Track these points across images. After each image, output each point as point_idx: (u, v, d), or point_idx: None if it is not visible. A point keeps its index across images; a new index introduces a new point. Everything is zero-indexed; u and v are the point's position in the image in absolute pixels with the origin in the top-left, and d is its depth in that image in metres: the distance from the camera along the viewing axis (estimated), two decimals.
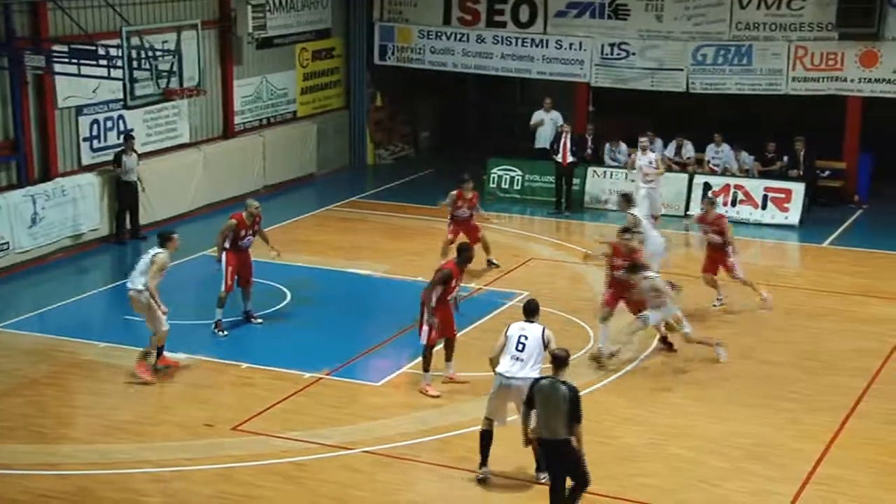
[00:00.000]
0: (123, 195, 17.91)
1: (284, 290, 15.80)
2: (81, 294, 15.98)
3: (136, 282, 12.64)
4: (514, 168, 21.70)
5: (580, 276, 17.15)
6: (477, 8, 22.76)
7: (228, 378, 13.00)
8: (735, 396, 12.64)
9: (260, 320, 14.57)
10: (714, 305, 15.44)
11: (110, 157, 18.28)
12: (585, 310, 15.35)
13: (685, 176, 20.83)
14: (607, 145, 21.76)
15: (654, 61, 21.54)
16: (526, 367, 10.41)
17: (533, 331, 10.60)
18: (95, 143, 18.23)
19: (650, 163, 18.86)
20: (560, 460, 9.46)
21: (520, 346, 10.50)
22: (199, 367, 13.25)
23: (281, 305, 15.30)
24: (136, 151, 17.97)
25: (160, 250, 12.70)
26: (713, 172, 21.00)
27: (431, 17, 23.02)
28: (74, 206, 17.35)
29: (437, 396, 12.31)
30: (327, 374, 13.02)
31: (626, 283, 13.39)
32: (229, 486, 10.39)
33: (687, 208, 20.62)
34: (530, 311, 10.88)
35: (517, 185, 21.69)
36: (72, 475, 10.54)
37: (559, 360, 9.57)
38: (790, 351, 14.06)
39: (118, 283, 16.57)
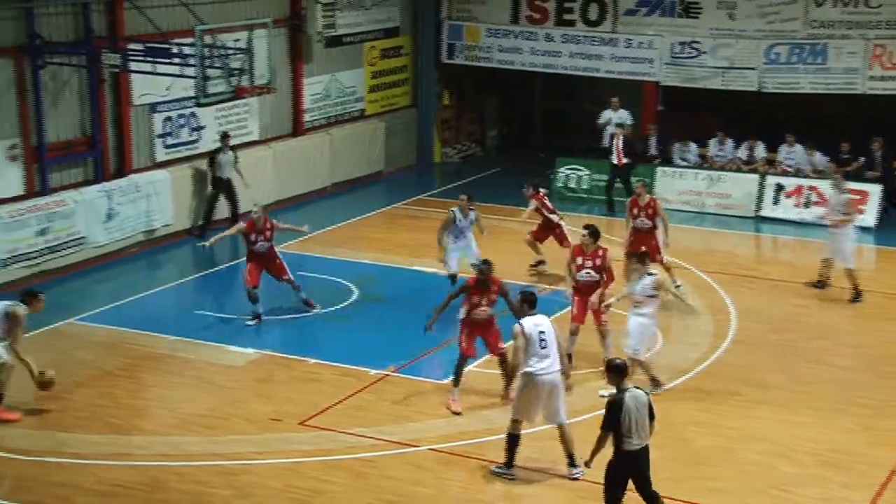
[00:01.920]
0: (218, 190, 18.40)
1: (352, 286, 15.92)
2: (154, 288, 16.27)
3: None
4: (581, 167, 21.59)
5: None
6: (546, 6, 22.67)
7: (296, 373, 13.14)
8: (806, 401, 12.43)
9: (317, 308, 14.78)
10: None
11: (183, 154, 18.60)
12: None
13: (756, 177, 20.54)
14: (676, 145, 21.54)
15: (726, 60, 21.25)
16: (551, 360, 10.47)
17: (545, 323, 10.63)
18: (168, 140, 18.56)
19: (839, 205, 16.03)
20: (645, 464, 9.35)
21: (542, 343, 10.48)
22: (268, 363, 13.42)
23: (348, 302, 15.41)
24: (232, 149, 18.46)
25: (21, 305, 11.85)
26: (785, 173, 20.68)
27: (500, 16, 23.00)
28: (148, 201, 17.67)
29: (458, 413, 12.01)
30: (393, 372, 13.08)
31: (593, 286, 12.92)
32: (297, 481, 10.51)
33: (758, 209, 20.35)
34: (534, 302, 10.84)
35: (584, 184, 21.58)
36: (144, 466, 10.74)
37: (624, 370, 9.35)
38: (863, 356, 13.79)
39: (190, 278, 16.90)
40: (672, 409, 12.13)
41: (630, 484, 9.35)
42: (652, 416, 9.29)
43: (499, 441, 11.27)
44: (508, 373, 12.03)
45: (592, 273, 13.18)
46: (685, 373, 13.15)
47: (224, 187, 18.47)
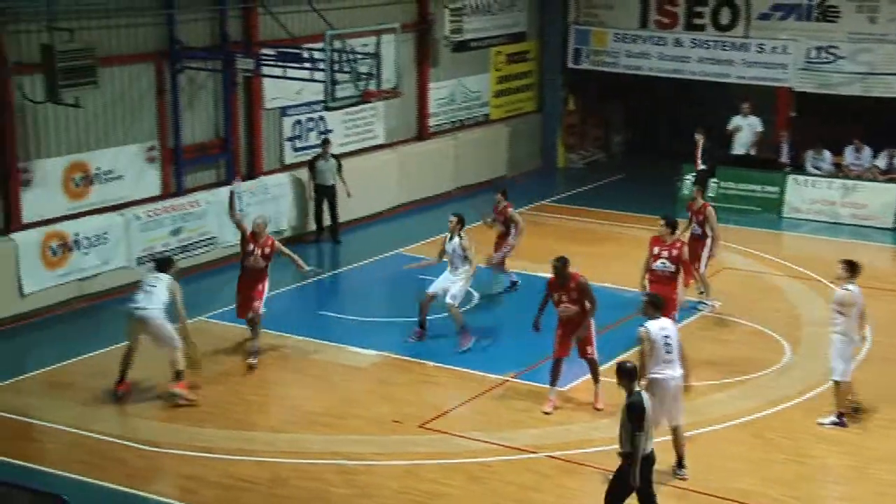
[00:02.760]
0: (319, 198, 18.33)
1: (472, 291, 15.92)
2: (280, 288, 16.59)
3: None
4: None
5: (774, 287, 16.54)
6: (675, 11, 22.29)
7: (416, 376, 13.23)
8: None
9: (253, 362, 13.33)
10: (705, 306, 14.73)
11: (310, 157, 18.95)
12: (780, 322, 14.81)
13: (895, 187, 19.75)
14: (809, 152, 20.89)
15: (866, 65, 20.51)
16: (676, 365, 10.35)
17: (669, 327, 10.49)
18: (297, 143, 18.95)
19: None
20: (651, 470, 9.20)
21: (668, 348, 10.32)
22: (388, 365, 13.55)
23: (468, 307, 15.43)
24: (334, 155, 18.41)
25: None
26: None
27: (628, 21, 22.72)
28: (276, 203, 18.07)
29: (549, 413, 11.97)
30: (513, 377, 13.04)
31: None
32: (415, 483, 10.57)
33: None
34: (659, 306, 10.63)
35: (711, 191, 21.11)
36: (266, 462, 10.98)
37: (634, 373, 9.22)
38: None
39: (314, 279, 17.20)
40: (800, 424, 11.76)
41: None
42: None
43: (616, 450, 11.11)
44: (597, 378, 12.14)
45: (668, 263, 13.30)
46: (816, 387, 12.71)
47: (327, 194, 18.27)
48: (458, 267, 14.03)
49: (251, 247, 13.45)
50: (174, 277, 12.50)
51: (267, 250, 13.44)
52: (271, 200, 18.01)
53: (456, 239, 14.00)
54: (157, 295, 12.27)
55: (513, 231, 15.94)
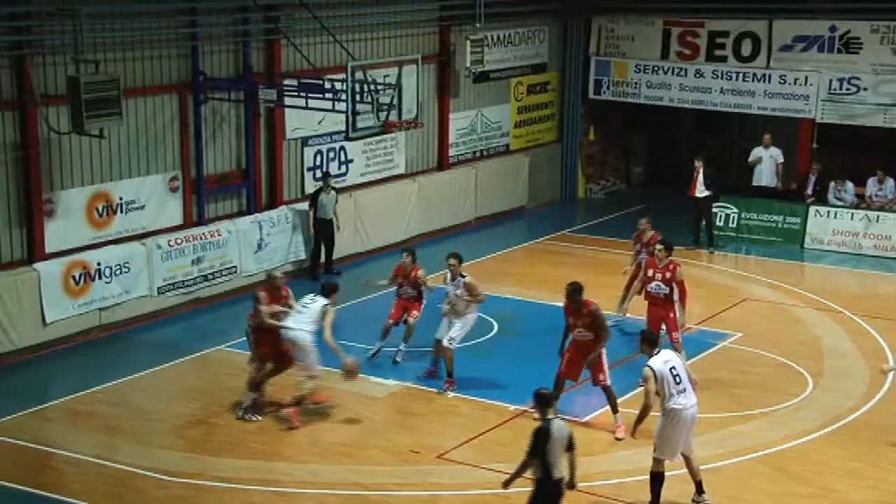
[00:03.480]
0: (319, 231, 18.09)
1: (492, 321, 15.91)
2: None
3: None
4: (730, 206, 21.07)
5: (797, 319, 16.44)
6: (697, 42, 22.33)
7: (435, 406, 13.20)
8: None
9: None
10: None
11: (313, 191, 18.89)
12: (802, 353, 14.71)
13: None
14: (832, 184, 20.81)
15: (889, 97, 20.46)
16: (689, 392, 10.40)
17: (673, 358, 10.53)
18: (318, 174, 19.03)
19: None
20: (558, 497, 9.27)
21: (676, 378, 10.34)
22: (407, 394, 13.52)
23: (487, 337, 15.41)
24: (334, 188, 18.22)
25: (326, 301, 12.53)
26: None
27: (649, 52, 22.77)
28: (296, 232, 18.15)
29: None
30: (532, 408, 12.97)
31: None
32: None
33: None
34: (654, 342, 10.71)
35: (732, 222, 21.05)
36: (287, 492, 10.95)
37: (549, 399, 9.46)
38: None
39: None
40: (823, 457, 11.64)
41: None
42: (571, 447, 9.28)
43: (635, 483, 11.04)
44: (615, 407, 12.20)
45: (662, 286, 13.43)
46: (838, 420, 12.60)
47: (327, 228, 18.04)
48: (459, 310, 13.47)
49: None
50: (331, 303, 12.68)
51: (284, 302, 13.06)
52: (292, 230, 18.09)
53: (459, 280, 13.51)
54: (307, 316, 12.48)
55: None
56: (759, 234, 20.76)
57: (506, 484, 9.48)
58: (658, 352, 10.54)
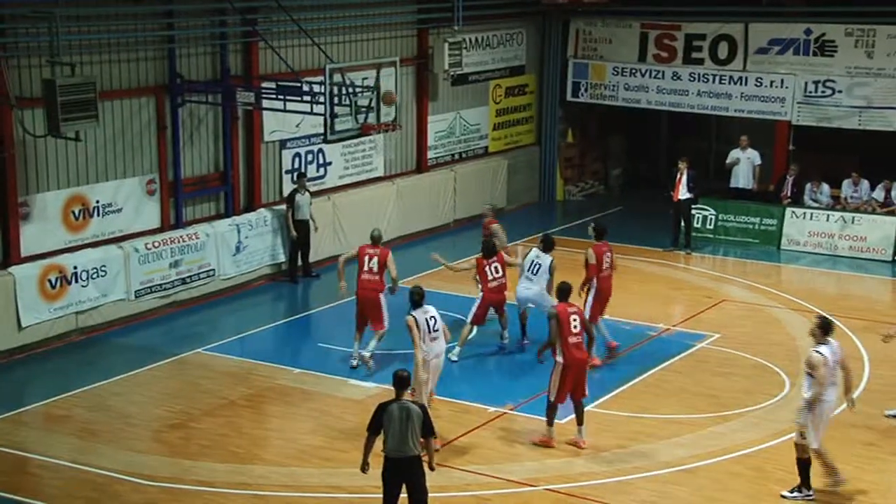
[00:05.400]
0: (296, 233, 17.90)
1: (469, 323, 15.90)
2: (279, 320, 16.62)
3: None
4: (707, 207, 21.18)
5: (774, 319, 16.54)
6: (674, 45, 22.44)
7: None
8: None
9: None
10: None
11: (310, 189, 18.97)
12: (779, 354, 14.80)
13: (894, 219, 19.81)
14: (808, 185, 20.96)
15: (863, 99, 20.62)
16: (837, 388, 10.75)
17: (837, 350, 10.83)
18: (296, 176, 18.98)
19: None
20: (410, 475, 9.57)
21: (834, 370, 10.67)
22: (387, 397, 13.42)
23: (471, 337, 15.39)
24: (308, 191, 18.11)
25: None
26: None
27: (627, 55, 22.87)
28: (274, 235, 18.10)
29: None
30: (511, 410, 13.01)
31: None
32: None
33: (895, 253, 19.61)
34: (827, 328, 10.80)
35: (710, 224, 21.16)
36: (265, 496, 10.92)
37: (404, 381, 9.77)
38: None
39: (314, 311, 17.18)
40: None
41: None
42: (429, 433, 9.59)
43: (615, 483, 11.07)
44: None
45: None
46: None
47: (302, 230, 17.88)
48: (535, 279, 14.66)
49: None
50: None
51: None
52: (270, 232, 18.04)
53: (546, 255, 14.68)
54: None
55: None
56: (737, 235, 20.88)
57: (362, 467, 9.77)
58: (828, 342, 10.59)
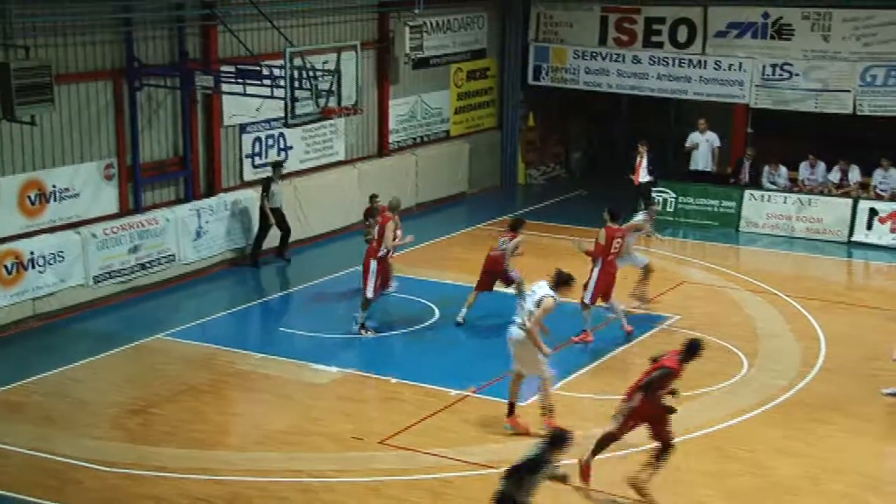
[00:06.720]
0: (269, 222, 17.87)
1: (433, 307, 15.95)
2: (240, 305, 16.53)
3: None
4: (667, 190, 21.34)
5: (733, 301, 16.71)
6: (634, 28, 22.53)
7: (377, 392, 13.20)
8: None
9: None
10: None
11: (270, 174, 18.89)
12: (738, 335, 14.97)
13: (849, 201, 20.07)
14: (766, 168, 21.17)
15: (819, 82, 20.85)
16: None
17: None
18: (257, 160, 18.88)
19: None
20: None
21: None
22: (349, 381, 13.51)
23: (430, 322, 15.44)
24: (281, 178, 18.07)
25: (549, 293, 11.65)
26: (880, 198, 20.15)
27: (587, 38, 22.93)
28: (235, 220, 17.99)
29: None
30: (474, 392, 13.06)
31: None
32: (376, 500, 10.53)
33: (850, 234, 19.88)
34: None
35: (670, 207, 21.33)
36: (226, 480, 10.88)
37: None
38: None
39: (275, 296, 17.12)
40: (757, 436, 11.86)
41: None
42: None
43: (577, 465, 11.14)
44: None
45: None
46: (772, 399, 12.85)
47: (279, 217, 17.94)
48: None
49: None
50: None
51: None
52: (231, 217, 17.92)
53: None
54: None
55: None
56: (696, 217, 21.07)
57: None
58: None
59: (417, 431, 12.03)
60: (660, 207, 16.65)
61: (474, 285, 15.48)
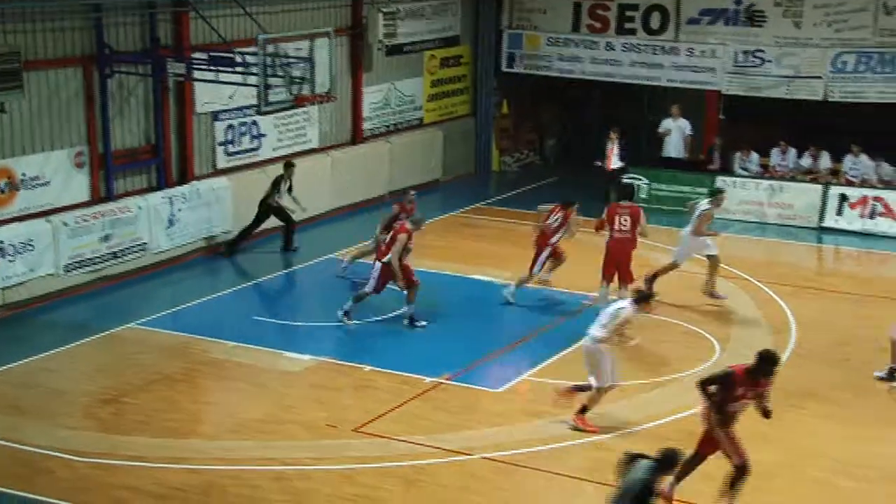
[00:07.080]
0: (268, 214, 17.97)
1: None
2: (213, 294, 16.45)
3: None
4: (640, 176, 21.42)
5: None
6: (607, 15, 22.55)
7: (351, 380, 13.19)
8: (870, 415, 12.18)
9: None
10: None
11: (243, 162, 18.77)
12: (709, 320, 15.07)
13: (819, 187, 20.22)
14: (737, 154, 21.29)
15: (791, 69, 20.96)
16: None
17: None
18: (230, 148, 18.78)
19: None
20: None
21: None
22: (323, 369, 13.49)
23: (404, 309, 15.42)
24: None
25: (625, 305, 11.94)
26: (850, 184, 20.32)
27: (560, 25, 22.93)
28: (209, 208, 17.89)
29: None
30: (448, 379, 13.08)
31: None
32: (350, 488, 10.54)
33: (821, 220, 20.04)
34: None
35: (643, 193, 21.41)
36: (200, 469, 10.85)
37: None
38: None
39: (248, 284, 17.05)
40: None
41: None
42: None
43: (552, 451, 11.22)
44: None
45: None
46: None
47: (282, 213, 18.01)
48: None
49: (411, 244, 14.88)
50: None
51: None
52: (204, 205, 17.82)
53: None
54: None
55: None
56: (668, 204, 21.14)
57: None
58: None
59: (391, 419, 12.04)
60: (727, 196, 16.64)
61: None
